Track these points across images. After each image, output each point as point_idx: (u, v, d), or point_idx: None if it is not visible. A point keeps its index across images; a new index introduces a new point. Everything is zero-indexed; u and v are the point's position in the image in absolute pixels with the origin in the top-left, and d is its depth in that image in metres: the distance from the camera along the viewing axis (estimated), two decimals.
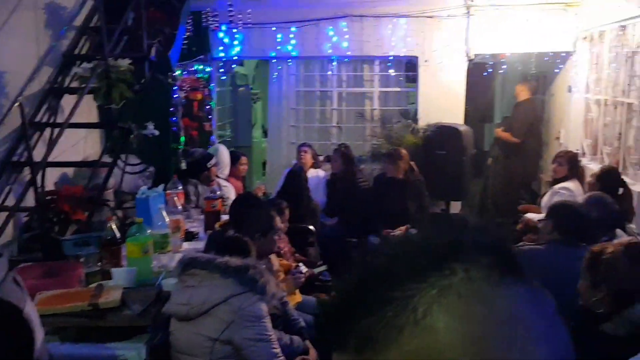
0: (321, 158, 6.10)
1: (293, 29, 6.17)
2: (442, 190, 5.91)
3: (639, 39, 4.68)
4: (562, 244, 2.99)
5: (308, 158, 5.84)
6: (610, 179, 4.20)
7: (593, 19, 5.62)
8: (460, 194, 6.03)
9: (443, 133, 5.85)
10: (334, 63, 6.46)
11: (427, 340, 0.49)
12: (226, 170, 5.24)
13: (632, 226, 4.30)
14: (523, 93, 6.57)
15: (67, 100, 4.17)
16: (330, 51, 6.20)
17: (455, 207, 6.22)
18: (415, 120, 6.25)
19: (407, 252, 0.55)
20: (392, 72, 6.44)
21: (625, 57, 4.99)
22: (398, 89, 6.52)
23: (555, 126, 6.68)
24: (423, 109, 6.22)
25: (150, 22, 4.74)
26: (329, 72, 6.52)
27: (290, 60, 6.40)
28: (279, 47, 6.25)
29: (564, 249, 2.95)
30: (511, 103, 8.11)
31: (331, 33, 6.15)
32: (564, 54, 6.25)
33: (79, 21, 4.68)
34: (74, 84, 4.29)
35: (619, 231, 3.36)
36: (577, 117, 6.02)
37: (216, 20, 5.86)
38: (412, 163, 5.53)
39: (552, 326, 0.54)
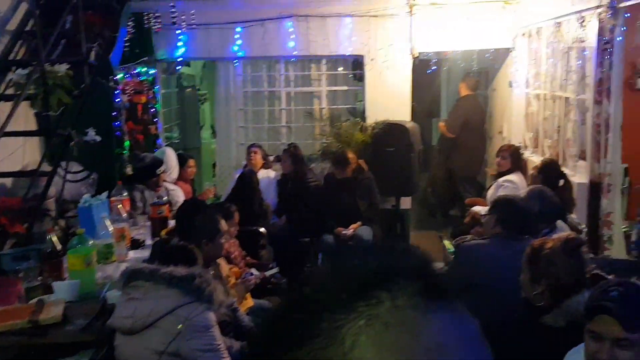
0: (271, 158, 6.08)
1: (238, 29, 6.11)
2: (391, 187, 5.98)
3: (574, 35, 4.86)
4: (506, 237, 3.07)
5: (258, 159, 5.81)
6: (550, 171, 4.35)
7: (530, 15, 5.80)
8: (410, 189, 6.11)
9: (391, 130, 5.92)
10: (282, 63, 6.43)
11: None
12: (174, 173, 5.15)
13: (573, 216, 4.47)
14: (463, 90, 6.78)
15: (2, 108, 4.00)
16: (276, 51, 6.17)
17: (406, 202, 6.31)
18: (363, 118, 6.30)
19: (335, 281, 0.55)
20: (342, 69, 6.48)
21: (561, 53, 5.17)
22: (346, 88, 6.56)
23: (498, 121, 6.86)
24: (370, 107, 6.27)
25: (88, 25, 4.61)
26: (277, 73, 6.48)
27: (236, 60, 6.33)
28: (224, 48, 6.17)
29: (507, 242, 3.03)
30: (456, 99, 8.29)
31: (277, 33, 6.12)
32: (504, 51, 6.42)
33: (13, 25, 4.50)
34: (9, 91, 4.13)
35: (559, 222, 3.48)
36: (519, 111, 6.21)
37: (158, 22, 5.73)
38: (360, 162, 5.58)
39: (475, 349, 0.55)
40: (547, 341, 2.26)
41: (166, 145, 6.22)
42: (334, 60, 6.44)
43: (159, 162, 4.68)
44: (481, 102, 7.01)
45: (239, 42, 6.14)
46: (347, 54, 6.21)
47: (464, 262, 3.10)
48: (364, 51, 6.17)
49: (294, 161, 5.61)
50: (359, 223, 5.43)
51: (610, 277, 2.50)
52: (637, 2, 3.83)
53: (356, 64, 6.43)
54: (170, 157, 5.19)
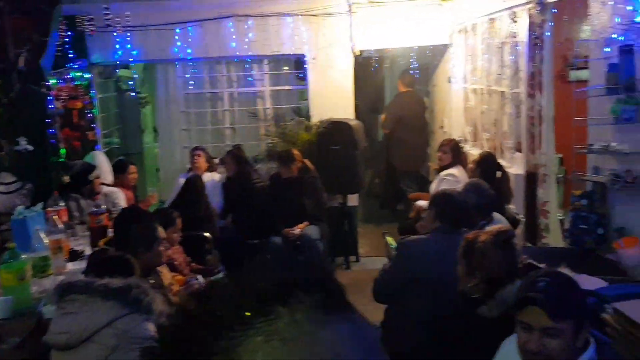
0: (216, 161, 6.01)
1: (177, 30, 6.00)
2: (338, 185, 6.02)
3: (507, 31, 5.01)
4: (444, 231, 3.13)
5: (202, 162, 5.72)
6: (488, 163, 4.46)
7: (466, 12, 5.94)
8: (356, 186, 6.16)
9: (335, 128, 5.95)
10: (223, 63, 6.36)
11: None
12: (108, 178, 5.01)
13: (512, 207, 4.62)
14: (400, 86, 6.93)
15: None
16: (217, 52, 6.10)
17: (353, 199, 6.36)
18: (307, 117, 6.30)
19: (234, 296, 0.54)
20: (285, 69, 6.47)
21: (495, 48, 5.32)
22: (289, 87, 6.55)
23: (439, 116, 7.01)
24: (314, 106, 6.29)
25: (16, 30, 4.42)
26: (219, 73, 6.40)
27: (176, 62, 6.22)
28: (163, 50, 6.05)
29: (446, 236, 3.09)
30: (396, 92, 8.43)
31: (217, 34, 6.05)
32: (442, 47, 6.56)
33: None
34: None
35: (496, 214, 3.59)
36: (458, 106, 6.36)
37: (92, 24, 5.56)
38: (305, 161, 5.58)
39: (373, 358, 0.55)
40: (484, 332, 2.32)
41: (106, 151, 6.06)
42: (277, 60, 6.42)
43: (90, 168, 4.53)
44: (421, 98, 7.13)
45: (178, 43, 6.04)
46: (289, 53, 6.20)
47: (405, 258, 3.14)
48: (306, 50, 6.18)
49: (238, 163, 5.56)
50: (305, 223, 5.43)
51: (542, 266, 2.60)
52: None
53: (299, 63, 6.44)
54: (102, 161, 5.05)
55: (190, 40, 6.06)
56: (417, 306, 3.01)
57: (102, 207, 4.08)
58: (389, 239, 4.05)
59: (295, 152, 5.49)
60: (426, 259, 3.05)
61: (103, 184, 4.66)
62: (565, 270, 2.56)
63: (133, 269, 2.43)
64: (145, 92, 7.89)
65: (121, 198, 4.63)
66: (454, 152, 5.25)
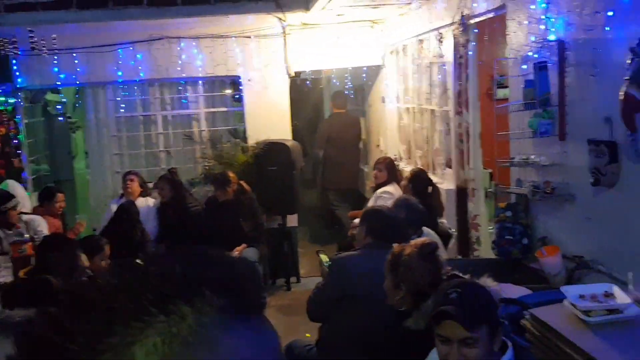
0: (150, 185, 5.87)
1: (108, 53, 5.88)
2: (276, 205, 6.00)
3: (434, 51, 5.17)
4: (375, 247, 3.15)
5: (135, 187, 5.57)
6: (419, 179, 4.56)
7: (396, 34, 6.11)
8: (294, 207, 6.15)
9: (272, 149, 5.94)
10: (155, 86, 6.26)
11: None
12: (26, 204, 4.79)
13: (444, 221, 4.72)
14: (333, 107, 7.09)
15: None
16: (149, 74, 6.01)
17: (292, 220, 6.34)
18: (244, 138, 6.27)
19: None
20: (222, 91, 6.43)
21: (424, 68, 5.49)
22: (225, 109, 6.51)
23: (375, 135, 7.13)
24: (251, 127, 6.27)
25: None
26: (151, 96, 6.29)
27: (106, 85, 6.08)
28: (92, 73, 5.91)
29: (377, 252, 3.10)
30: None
31: (149, 56, 5.96)
32: (375, 68, 6.70)
33: None
34: None
35: (425, 229, 3.64)
36: (392, 125, 6.49)
37: (16, 47, 5.36)
38: (242, 182, 5.54)
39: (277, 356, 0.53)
40: (411, 344, 2.33)
41: (34, 178, 5.82)
42: (212, 82, 6.37)
43: (6, 197, 4.30)
44: (354, 118, 7.26)
45: (108, 66, 5.91)
46: (224, 75, 6.17)
47: (337, 275, 3.14)
48: (240, 72, 6.17)
49: (172, 187, 5.45)
50: (243, 245, 5.37)
51: (467, 276, 2.65)
52: (484, 18, 4.15)
53: (234, 84, 6.42)
54: (16, 189, 4.83)
55: (120, 62, 5.94)
56: (351, 322, 3.00)
57: (25, 235, 3.89)
58: (323, 257, 4.05)
59: (231, 174, 5.45)
60: (357, 274, 3.05)
61: (22, 212, 4.44)
62: (487, 280, 2.62)
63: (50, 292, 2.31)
64: (76, 117, 7.66)
65: (43, 225, 4.42)
66: (389, 170, 5.34)
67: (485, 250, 4.55)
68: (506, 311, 2.50)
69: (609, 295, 2.00)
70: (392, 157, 5.91)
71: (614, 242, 2.79)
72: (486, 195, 4.85)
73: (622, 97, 2.35)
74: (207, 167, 6.19)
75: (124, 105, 6.26)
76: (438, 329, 1.84)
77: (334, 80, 7.36)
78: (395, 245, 2.75)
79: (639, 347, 1.76)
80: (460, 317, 1.75)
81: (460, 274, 2.69)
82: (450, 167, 5.07)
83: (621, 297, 1.97)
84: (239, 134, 6.37)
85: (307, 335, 3.92)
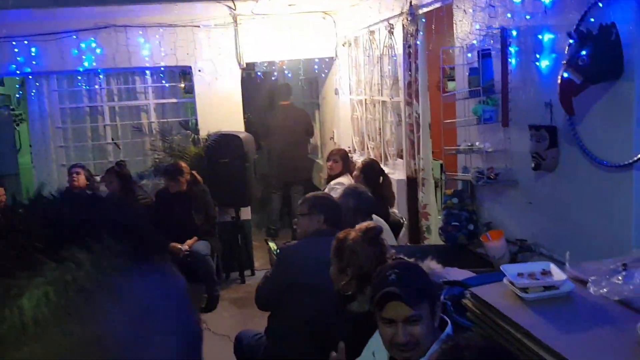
0: (98, 178, 5.70)
1: (51, 41, 5.67)
2: (229, 198, 5.92)
3: (385, 42, 5.19)
4: (324, 234, 3.14)
5: (81, 180, 5.41)
6: (370, 170, 4.57)
7: (348, 25, 6.11)
8: (247, 199, 6.08)
9: (224, 141, 5.85)
10: (101, 76, 6.07)
11: (44, 349, 0.41)
12: None
13: (395, 210, 4.76)
14: (279, 100, 7.09)
15: None
16: (94, 64, 5.82)
17: (245, 213, 6.27)
18: (195, 130, 6.16)
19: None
20: (179, 85, 6.29)
21: (376, 59, 5.51)
22: (175, 100, 6.38)
23: (329, 127, 7.13)
24: (202, 119, 6.16)
25: None
26: (98, 86, 6.11)
27: (49, 75, 5.86)
28: (34, 62, 5.69)
29: (325, 239, 3.10)
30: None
31: (94, 45, 5.78)
32: (329, 60, 6.69)
33: None
34: None
35: (374, 217, 3.66)
36: (346, 117, 6.50)
37: None
38: (194, 173, 5.45)
39: (182, 312, 0.49)
40: (356, 327, 2.33)
41: None
42: (161, 72, 6.24)
43: None
44: (301, 111, 7.25)
45: (51, 55, 5.70)
46: (173, 65, 6.05)
47: (285, 263, 3.12)
48: (190, 62, 6.05)
49: (120, 180, 5.31)
50: (194, 238, 5.28)
51: (411, 260, 2.66)
52: (432, 8, 4.19)
53: (184, 75, 6.30)
54: None
55: (65, 52, 5.74)
56: (298, 310, 2.98)
57: None
58: (272, 245, 4.02)
59: (183, 164, 5.35)
60: (305, 262, 3.04)
61: None
62: (430, 262, 2.65)
63: None
64: (20, 109, 7.38)
65: None
66: (344, 161, 5.35)
67: (435, 239, 4.60)
68: (449, 293, 2.53)
69: (546, 273, 2.04)
70: (346, 149, 5.92)
71: (554, 225, 2.86)
72: (436, 185, 4.91)
73: (560, 81, 2.40)
74: (157, 160, 6.07)
75: (69, 96, 6.05)
76: (382, 312, 1.84)
77: (287, 73, 7.32)
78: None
79: (572, 320, 1.80)
80: (403, 296, 1.75)
81: (406, 258, 2.71)
82: (401, 157, 5.11)
83: (558, 274, 2.01)
84: (190, 126, 6.25)
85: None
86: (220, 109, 6.14)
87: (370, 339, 2.16)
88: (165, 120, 6.30)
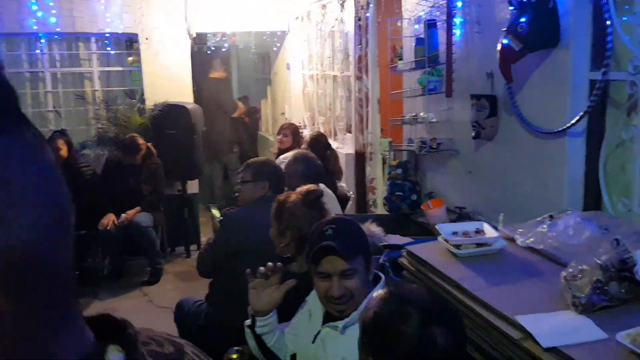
0: None
1: None
2: (176, 171, 5.80)
3: (336, 17, 5.18)
4: (268, 200, 3.11)
5: None
6: (317, 143, 4.56)
7: (300, 0, 6.05)
8: (195, 172, 5.98)
9: (171, 112, 5.72)
10: (43, 41, 5.81)
11: None
12: None
13: (343, 184, 4.78)
14: (212, 73, 7.09)
15: None
16: (35, 27, 5.57)
17: (193, 186, 6.17)
18: (142, 100, 6.00)
19: None
20: (125, 52, 6.09)
21: (327, 34, 5.48)
22: (120, 68, 6.18)
23: (280, 102, 7.08)
24: (149, 89, 6.00)
25: None
26: (38, 51, 5.85)
27: None
28: None
29: (269, 205, 3.08)
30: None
31: (35, 7, 5.51)
32: (281, 34, 6.62)
33: None
34: None
35: (322, 186, 3.66)
36: (297, 92, 6.46)
37: None
38: (150, 146, 5.33)
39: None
40: (294, 288, 2.33)
41: None
42: (106, 39, 6.02)
43: None
44: (228, 84, 7.31)
45: None
46: (119, 32, 5.85)
47: (228, 229, 3.08)
48: (137, 30, 5.87)
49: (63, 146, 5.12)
50: (137, 209, 5.16)
51: None
52: None
53: (131, 43, 6.10)
54: None
55: (3, 13, 5.46)
56: (240, 277, 2.96)
57: None
58: (214, 211, 3.97)
59: (140, 140, 5.21)
60: (249, 228, 3.01)
61: None
62: (371, 225, 2.68)
63: None
64: None
65: None
66: (294, 136, 5.31)
67: (381, 212, 4.66)
68: (389, 255, 2.57)
69: (479, 231, 2.09)
70: (297, 124, 5.89)
71: (492, 193, 2.94)
72: (384, 162, 4.97)
73: (499, 48, 2.45)
74: (100, 130, 5.88)
75: (7, 61, 5.76)
76: (318, 267, 1.85)
77: (239, 46, 7.20)
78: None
79: (501, 273, 1.85)
80: (340, 249, 1.77)
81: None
82: (350, 132, 5.13)
83: (490, 233, 2.07)
84: (136, 95, 6.08)
85: None
86: (168, 78, 5.99)
87: (306, 298, 2.16)
88: (110, 89, 6.10)
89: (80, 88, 6.03)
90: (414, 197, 3.55)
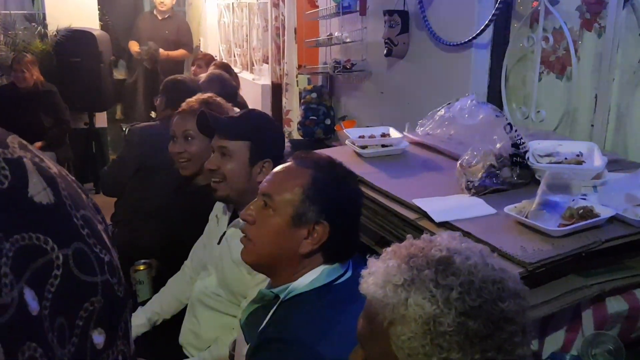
0: None
1: None
2: (82, 102, 5.46)
3: None
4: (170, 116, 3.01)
5: None
6: (228, 69, 4.43)
7: None
8: (103, 104, 5.66)
9: (76, 38, 5.34)
10: None
11: None
12: None
13: None
14: None
15: None
16: None
17: (101, 120, 5.86)
18: (43, 25, 5.55)
19: None
20: None
21: None
22: None
23: (195, 35, 6.79)
24: (51, 13, 5.55)
25: None
26: None
27: None
28: None
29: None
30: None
31: None
32: None
33: None
34: None
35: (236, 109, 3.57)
36: (213, 24, 6.22)
37: None
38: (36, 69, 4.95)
39: None
40: (199, 199, 2.28)
41: None
42: None
43: None
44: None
45: None
46: None
47: (134, 145, 2.96)
48: None
49: None
50: (40, 143, 4.84)
51: None
52: None
53: None
54: None
55: None
56: (144, 193, 2.86)
57: None
58: (125, 127, 3.81)
59: (28, 56, 4.82)
60: (155, 144, 2.90)
61: None
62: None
63: None
64: None
65: None
66: (208, 67, 5.13)
67: (296, 138, 4.63)
68: None
69: (385, 135, 2.11)
70: (213, 56, 5.69)
71: (403, 112, 2.96)
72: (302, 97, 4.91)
73: None
74: None
75: None
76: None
77: None
78: None
79: (404, 169, 1.88)
80: (215, 125, 1.74)
81: None
82: (267, 63, 5.02)
83: (395, 135, 2.09)
84: (37, 19, 5.61)
85: None
86: (72, 3, 5.57)
87: (214, 205, 2.12)
88: (8, 12, 5.59)
89: None
90: (328, 121, 3.55)
